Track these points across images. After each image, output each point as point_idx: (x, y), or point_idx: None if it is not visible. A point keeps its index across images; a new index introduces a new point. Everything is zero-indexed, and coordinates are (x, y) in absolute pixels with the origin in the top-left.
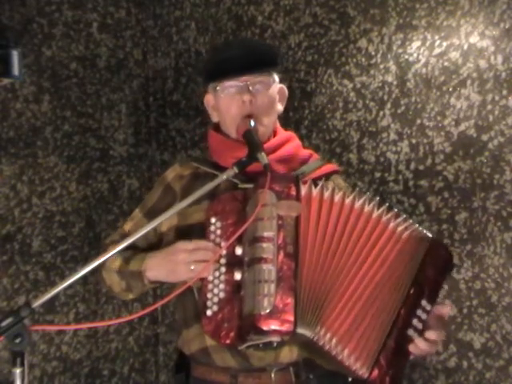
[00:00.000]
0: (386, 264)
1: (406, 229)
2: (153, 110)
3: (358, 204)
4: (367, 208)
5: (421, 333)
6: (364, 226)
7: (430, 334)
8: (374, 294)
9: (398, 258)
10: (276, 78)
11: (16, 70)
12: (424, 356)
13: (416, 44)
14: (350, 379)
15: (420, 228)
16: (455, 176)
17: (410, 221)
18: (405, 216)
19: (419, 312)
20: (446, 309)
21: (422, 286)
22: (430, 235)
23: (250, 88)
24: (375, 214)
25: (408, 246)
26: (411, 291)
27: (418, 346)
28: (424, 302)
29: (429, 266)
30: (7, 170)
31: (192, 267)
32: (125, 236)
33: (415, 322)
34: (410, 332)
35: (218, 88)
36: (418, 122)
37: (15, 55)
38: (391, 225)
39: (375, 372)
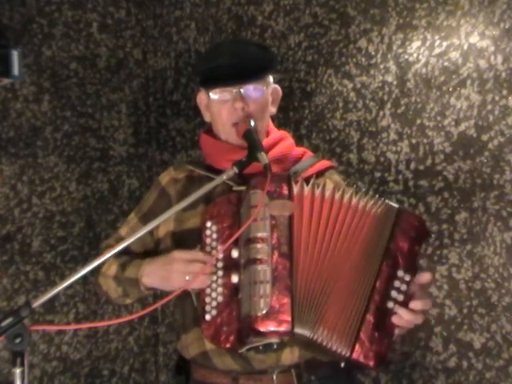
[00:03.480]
0: (366, 247)
1: (377, 207)
2: (153, 109)
3: (346, 198)
4: (354, 200)
5: (403, 304)
6: (351, 218)
7: (415, 304)
8: (357, 279)
9: (372, 236)
10: (270, 79)
11: (16, 70)
12: (412, 328)
13: (416, 44)
14: (342, 365)
15: (388, 201)
16: (455, 176)
17: (382, 198)
18: (379, 196)
19: (397, 283)
20: (426, 276)
21: (394, 256)
22: (396, 206)
23: (243, 93)
24: (361, 204)
25: (379, 222)
26: (384, 263)
27: (403, 317)
28: (401, 273)
29: (399, 237)
30: (7, 169)
31: (187, 278)
32: (120, 240)
33: (394, 294)
34: (390, 304)
35: (210, 94)
36: (418, 122)
37: (15, 55)
38: (373, 211)
39: (357, 349)
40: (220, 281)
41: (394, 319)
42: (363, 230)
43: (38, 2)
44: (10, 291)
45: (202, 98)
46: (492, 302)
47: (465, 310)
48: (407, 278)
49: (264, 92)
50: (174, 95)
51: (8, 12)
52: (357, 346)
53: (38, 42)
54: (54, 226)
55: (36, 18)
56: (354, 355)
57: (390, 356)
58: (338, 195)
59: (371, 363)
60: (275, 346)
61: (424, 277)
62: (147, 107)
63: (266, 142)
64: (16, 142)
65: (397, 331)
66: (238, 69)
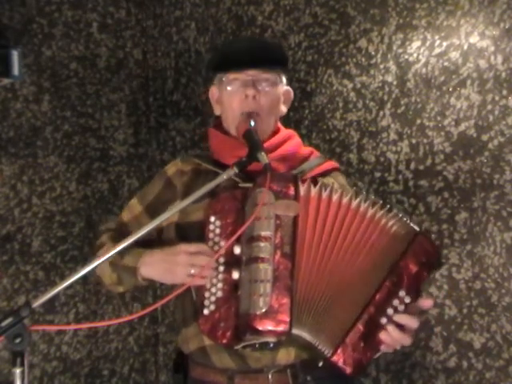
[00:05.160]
0: (375, 259)
1: (396, 224)
2: (153, 109)
3: (354, 203)
4: (363, 207)
5: (396, 324)
6: (359, 225)
7: (400, 318)
8: (359, 287)
9: (384, 251)
10: (284, 78)
11: (16, 70)
12: (394, 349)
13: (416, 44)
14: (320, 363)
15: (409, 222)
16: (455, 176)
17: (404, 217)
18: (398, 212)
19: (396, 302)
20: (428, 302)
21: (400, 276)
22: (417, 228)
23: (256, 83)
24: (370, 212)
25: (394, 239)
26: (388, 279)
27: (390, 334)
28: (402, 293)
29: (410, 258)
30: (7, 169)
31: (192, 271)
32: (121, 225)
33: (390, 311)
34: (383, 320)
35: (223, 79)
36: (418, 122)
37: (15, 55)
38: (383, 221)
39: (339, 352)
40: (220, 276)
41: (382, 335)
42: (371, 238)
43: (38, 2)
44: (9, 291)
45: (214, 91)
46: (492, 302)
47: (465, 310)
48: (407, 299)
49: (277, 85)
50: (174, 95)
51: (8, 12)
52: (339, 350)
53: (37, 42)
54: (54, 226)
55: (36, 17)
56: (335, 358)
57: (368, 369)
58: (345, 199)
59: (348, 369)
60: (271, 345)
61: (426, 302)
62: (147, 107)
63: (273, 140)
64: (16, 142)
65: (382, 348)
66: (253, 54)
